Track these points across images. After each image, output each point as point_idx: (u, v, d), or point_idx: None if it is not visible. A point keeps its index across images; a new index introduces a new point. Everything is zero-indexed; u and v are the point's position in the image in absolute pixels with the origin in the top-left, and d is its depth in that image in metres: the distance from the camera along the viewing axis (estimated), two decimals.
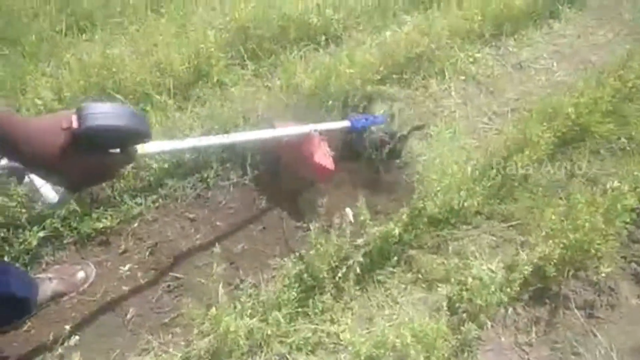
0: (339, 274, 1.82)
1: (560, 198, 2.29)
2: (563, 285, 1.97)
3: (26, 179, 1.09)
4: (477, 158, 2.33)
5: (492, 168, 2.17)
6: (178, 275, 1.85)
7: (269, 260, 1.96)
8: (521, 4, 3.40)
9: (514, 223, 2.18)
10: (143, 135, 0.81)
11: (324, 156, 2.02)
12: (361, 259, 1.86)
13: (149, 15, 2.95)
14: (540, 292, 1.95)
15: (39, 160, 0.72)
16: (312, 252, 1.80)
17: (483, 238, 2.13)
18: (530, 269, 1.83)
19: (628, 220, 1.99)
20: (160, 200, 2.08)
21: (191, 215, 2.07)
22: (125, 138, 0.78)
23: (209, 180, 2.19)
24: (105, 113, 0.73)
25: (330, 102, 2.55)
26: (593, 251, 1.84)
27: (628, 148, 2.45)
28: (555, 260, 1.84)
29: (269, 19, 2.86)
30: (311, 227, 1.84)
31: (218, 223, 2.05)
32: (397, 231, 1.82)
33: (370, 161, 2.28)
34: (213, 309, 1.59)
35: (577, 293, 1.97)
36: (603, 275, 1.90)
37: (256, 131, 1.87)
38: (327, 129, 2.07)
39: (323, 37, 3.03)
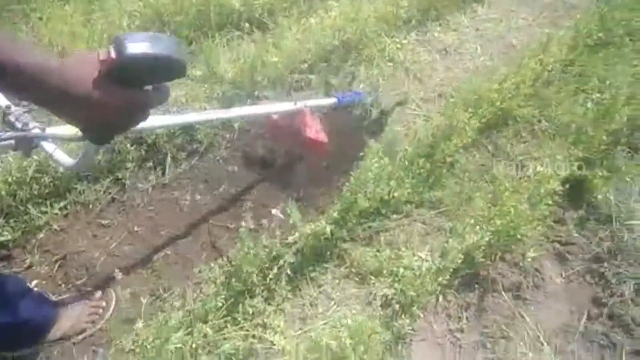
0: (270, 276, 1.75)
1: (486, 182, 2.33)
2: (491, 269, 2.01)
3: (37, 148, 1.03)
4: (406, 146, 2.31)
5: (420, 156, 2.16)
6: (91, 289, 1.69)
7: (195, 266, 1.84)
8: None
9: (442, 210, 2.19)
10: (183, 68, 0.74)
11: (317, 131, 1.99)
12: (292, 259, 1.80)
13: (54, 1, 2.68)
14: (469, 277, 1.97)
15: (72, 96, 0.65)
16: (239, 255, 1.71)
17: (414, 227, 2.13)
18: (461, 257, 1.84)
19: (551, 202, 2.05)
20: (68, 207, 1.90)
21: (105, 222, 1.90)
22: (166, 69, 0.71)
23: (124, 181, 2.03)
24: (145, 41, 0.67)
25: (257, 92, 2.44)
26: (519, 236, 1.88)
27: (549, 131, 2.53)
28: (483, 247, 1.86)
29: (185, 4, 2.67)
30: (240, 228, 1.73)
31: (136, 229, 1.90)
32: (328, 229, 1.76)
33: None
34: (139, 324, 1.46)
35: (505, 276, 2.01)
36: (529, 259, 1.94)
37: (243, 107, 1.84)
38: (315, 105, 2.08)
39: (246, 24, 2.88)
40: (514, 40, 3.48)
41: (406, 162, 2.13)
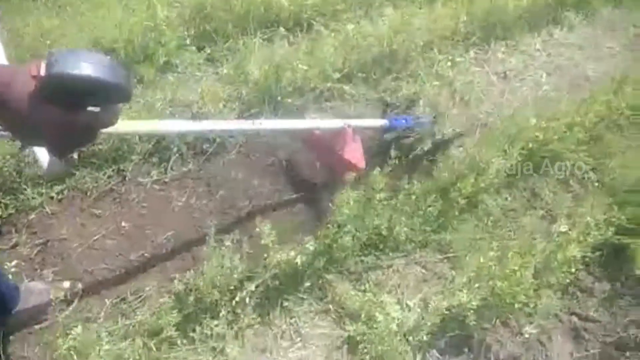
0: (237, 298, 1.67)
1: (510, 231, 2.08)
2: (489, 334, 1.78)
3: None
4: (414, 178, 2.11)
5: (432, 192, 1.96)
6: (60, 279, 1.71)
7: (170, 273, 1.80)
8: (517, 6, 3.09)
9: (450, 255, 1.98)
10: (122, 93, 0.69)
11: (355, 153, 1.92)
12: (267, 283, 1.71)
13: None
14: (460, 340, 1.76)
15: (7, 107, 0.63)
16: (209, 270, 1.65)
17: (411, 269, 1.94)
18: (444, 314, 1.65)
19: (573, 270, 1.78)
20: (65, 191, 1.93)
21: (97, 212, 1.92)
22: (101, 92, 0.67)
23: (126, 173, 2.03)
24: (77, 61, 0.64)
25: (280, 97, 2.35)
26: (517, 305, 1.63)
27: (599, 185, 2.19)
28: (475, 308, 1.64)
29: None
30: (209, 240, 1.67)
31: (124, 224, 1.90)
32: (299, 260, 1.64)
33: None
34: (78, 329, 1.45)
35: (503, 345, 1.78)
36: (528, 333, 1.69)
37: (287, 120, 1.84)
38: (362, 126, 2.01)
39: (291, 24, 2.79)
40: (590, 71, 3.08)
41: (413, 197, 1.94)
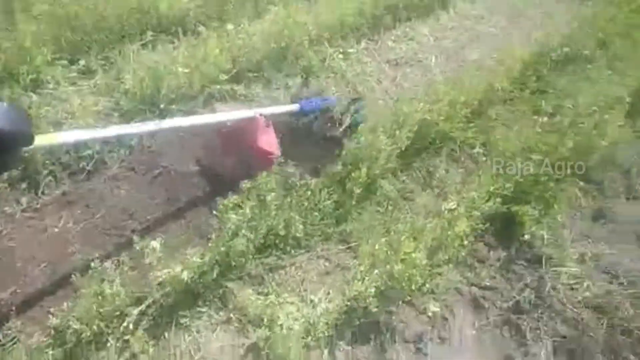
0: (124, 323, 1.53)
1: (407, 213, 2.10)
2: (395, 316, 1.78)
3: None
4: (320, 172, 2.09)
5: (326, 185, 1.93)
6: None
7: (47, 306, 1.63)
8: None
9: (352, 244, 1.96)
10: (19, 139, 0.70)
11: (269, 141, 1.89)
12: (157, 304, 1.59)
13: None
14: (367, 327, 1.74)
15: None
16: (90, 296, 1.50)
17: (315, 264, 1.90)
18: (350, 304, 1.62)
19: (465, 243, 1.82)
20: None
21: None
22: (2, 141, 0.67)
23: None
24: None
25: (162, 106, 2.23)
26: (414, 286, 1.64)
27: (485, 157, 2.28)
28: (374, 294, 1.63)
29: (102, 7, 2.46)
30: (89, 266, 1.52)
31: None
32: (185, 276, 1.54)
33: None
34: None
35: (409, 325, 1.78)
36: (431, 311, 1.71)
37: (195, 116, 1.76)
38: (273, 113, 1.97)
39: (173, 29, 2.66)
40: (475, 52, 3.22)
41: (308, 192, 1.90)
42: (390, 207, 2.12)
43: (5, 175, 1.89)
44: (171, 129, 1.75)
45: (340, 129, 2.17)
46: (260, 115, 1.90)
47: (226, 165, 2.06)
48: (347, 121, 2.19)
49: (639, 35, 3.20)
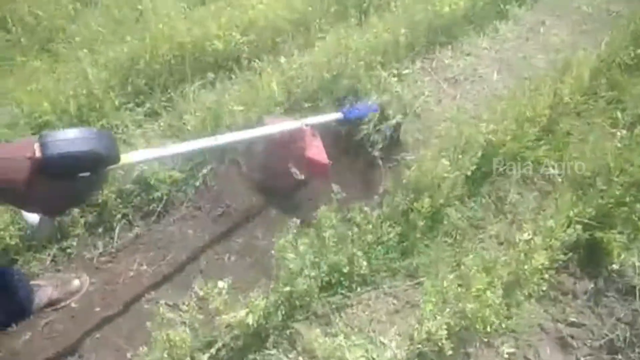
0: None
1: (479, 243, 1.98)
2: (471, 359, 1.67)
3: None
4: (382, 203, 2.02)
5: (388, 218, 1.87)
6: None
7: (126, 351, 1.68)
8: (456, 9, 3.06)
9: (421, 279, 1.87)
10: (110, 159, 0.79)
11: (317, 151, 1.95)
12: (227, 347, 1.59)
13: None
14: None
15: (5, 190, 0.72)
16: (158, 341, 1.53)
17: (383, 302, 1.83)
18: (421, 347, 1.54)
19: (546, 277, 1.68)
20: None
21: None
22: (92, 162, 0.76)
23: (71, 250, 1.92)
24: (67, 140, 0.72)
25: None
26: (490, 327, 1.53)
27: (560, 178, 2.11)
28: (447, 336, 1.53)
29: (161, 50, 2.56)
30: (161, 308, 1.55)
31: (73, 305, 1.78)
32: (250, 320, 1.52)
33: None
34: None
35: None
36: (507, 353, 1.58)
37: (246, 130, 1.80)
38: (318, 123, 2.03)
39: (230, 65, 2.73)
40: (541, 61, 3.04)
41: (369, 226, 1.84)
42: (459, 237, 2.01)
43: (83, 220, 1.99)
44: (227, 144, 1.75)
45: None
46: (307, 125, 1.93)
47: (281, 180, 2.15)
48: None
49: None
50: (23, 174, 0.72)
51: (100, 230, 2.01)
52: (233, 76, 2.68)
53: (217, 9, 3.01)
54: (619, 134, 2.13)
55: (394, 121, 2.40)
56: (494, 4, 3.34)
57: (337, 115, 2.15)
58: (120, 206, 2.05)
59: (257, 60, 2.73)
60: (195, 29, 2.65)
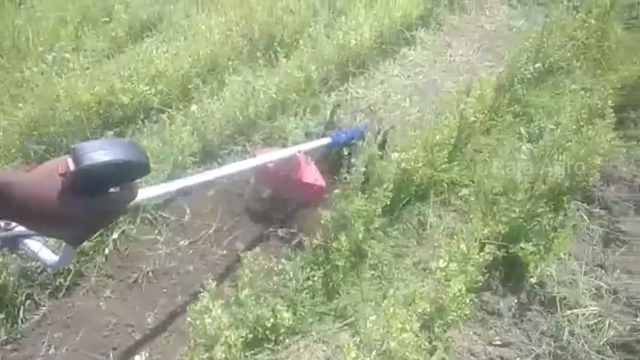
0: None
1: (403, 272, 1.96)
2: None
3: (22, 247, 1.05)
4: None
5: (309, 263, 1.82)
6: None
7: None
8: (363, 40, 3.13)
9: (349, 320, 1.82)
10: (143, 168, 0.76)
11: (312, 175, 2.04)
12: None
13: None
14: None
15: (38, 212, 0.68)
16: None
17: (312, 349, 1.76)
18: None
19: (467, 301, 1.68)
20: None
21: None
22: (126, 172, 0.74)
23: None
24: (100, 149, 0.70)
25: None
26: None
27: (473, 198, 2.15)
28: None
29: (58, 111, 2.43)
30: None
31: None
32: None
33: None
34: None
35: None
36: None
37: (240, 162, 1.82)
38: (310, 149, 2.09)
39: (139, 117, 2.63)
40: (449, 83, 3.16)
41: (290, 274, 1.78)
42: (385, 269, 1.99)
43: None
44: (224, 176, 1.75)
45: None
46: (299, 152, 1.99)
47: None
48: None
49: (612, 38, 3.12)
50: (56, 192, 0.68)
51: (1, 315, 1.83)
52: (145, 129, 2.58)
53: (121, 62, 2.94)
54: (524, 148, 2.21)
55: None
56: (400, 31, 3.45)
57: (327, 140, 2.21)
58: (24, 286, 1.89)
59: (168, 111, 2.66)
60: (98, 85, 2.54)
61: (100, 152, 0.69)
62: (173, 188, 1.47)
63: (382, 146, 2.27)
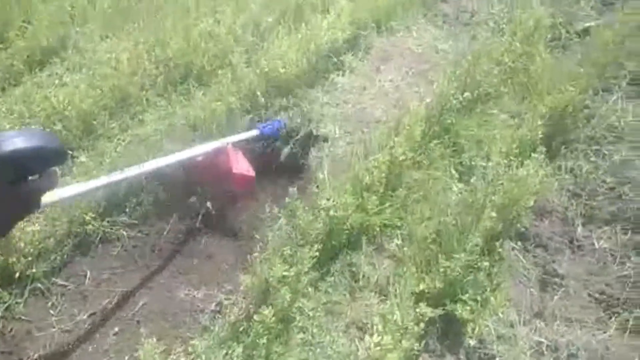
0: None
1: (338, 329, 1.78)
2: None
3: None
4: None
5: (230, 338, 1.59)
6: None
7: None
8: (291, 69, 2.95)
9: None
10: (61, 155, 0.76)
11: (242, 166, 2.08)
12: None
13: None
14: None
15: None
16: None
17: None
18: None
19: None
20: None
21: None
22: (44, 159, 0.73)
23: None
24: (14, 137, 0.69)
25: None
26: None
27: (406, 249, 2.02)
28: None
29: None
30: None
31: None
32: None
33: None
34: None
35: None
36: None
37: (170, 155, 1.83)
38: (238, 140, 2.17)
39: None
40: (378, 111, 3.04)
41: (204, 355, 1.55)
42: (315, 330, 1.81)
43: None
44: (153, 171, 1.78)
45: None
46: (228, 144, 2.07)
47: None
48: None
49: (537, 61, 3.14)
50: None
51: None
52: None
53: (14, 97, 2.58)
54: (455, 188, 2.11)
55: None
56: (328, 57, 3.31)
57: (255, 132, 2.30)
58: None
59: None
60: None
61: (17, 139, 0.69)
62: (93, 186, 1.48)
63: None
